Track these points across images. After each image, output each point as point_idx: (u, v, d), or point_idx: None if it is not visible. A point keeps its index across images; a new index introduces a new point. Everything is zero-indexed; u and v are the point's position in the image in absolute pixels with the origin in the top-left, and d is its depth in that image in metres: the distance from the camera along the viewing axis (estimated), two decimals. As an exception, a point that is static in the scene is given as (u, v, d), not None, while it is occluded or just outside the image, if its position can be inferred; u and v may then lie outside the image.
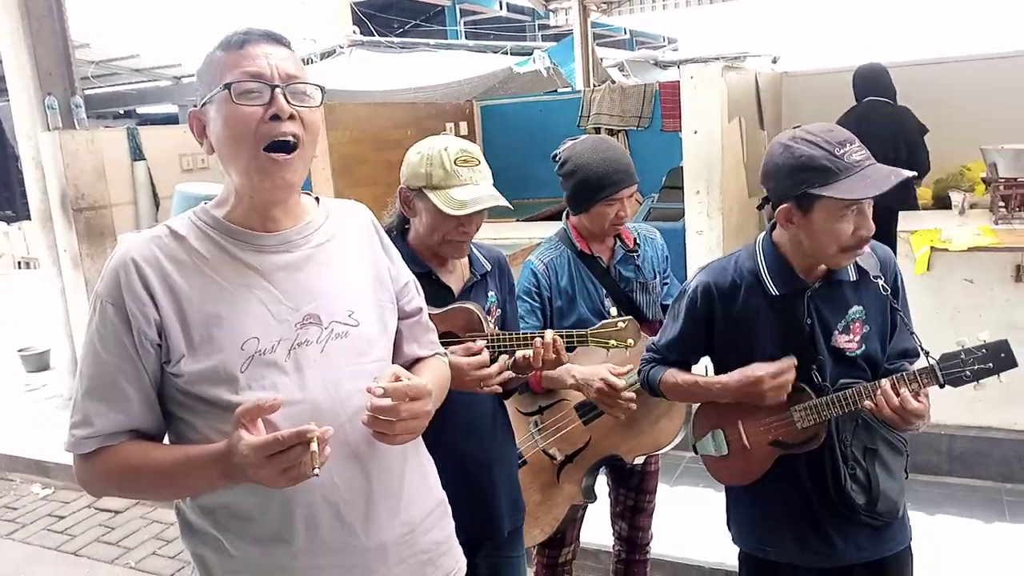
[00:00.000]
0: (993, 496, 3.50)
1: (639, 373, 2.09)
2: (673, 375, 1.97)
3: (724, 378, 1.86)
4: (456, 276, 2.03)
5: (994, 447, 3.63)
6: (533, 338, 1.89)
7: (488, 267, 2.08)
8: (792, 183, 1.69)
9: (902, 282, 1.89)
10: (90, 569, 3.76)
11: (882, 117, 4.85)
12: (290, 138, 1.30)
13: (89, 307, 1.35)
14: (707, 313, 1.89)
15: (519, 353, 1.95)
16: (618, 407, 2.18)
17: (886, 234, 3.91)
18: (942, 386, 1.71)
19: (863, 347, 1.82)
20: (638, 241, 2.45)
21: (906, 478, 1.90)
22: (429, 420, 1.39)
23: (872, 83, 5.03)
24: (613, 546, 2.70)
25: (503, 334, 1.92)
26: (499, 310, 2.10)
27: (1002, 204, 3.77)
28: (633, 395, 2.17)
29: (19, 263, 12.27)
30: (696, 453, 2.01)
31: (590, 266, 2.37)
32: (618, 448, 2.34)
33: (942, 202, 4.92)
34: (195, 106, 1.35)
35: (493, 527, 2.00)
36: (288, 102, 1.29)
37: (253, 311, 1.33)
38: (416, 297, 1.60)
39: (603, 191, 2.26)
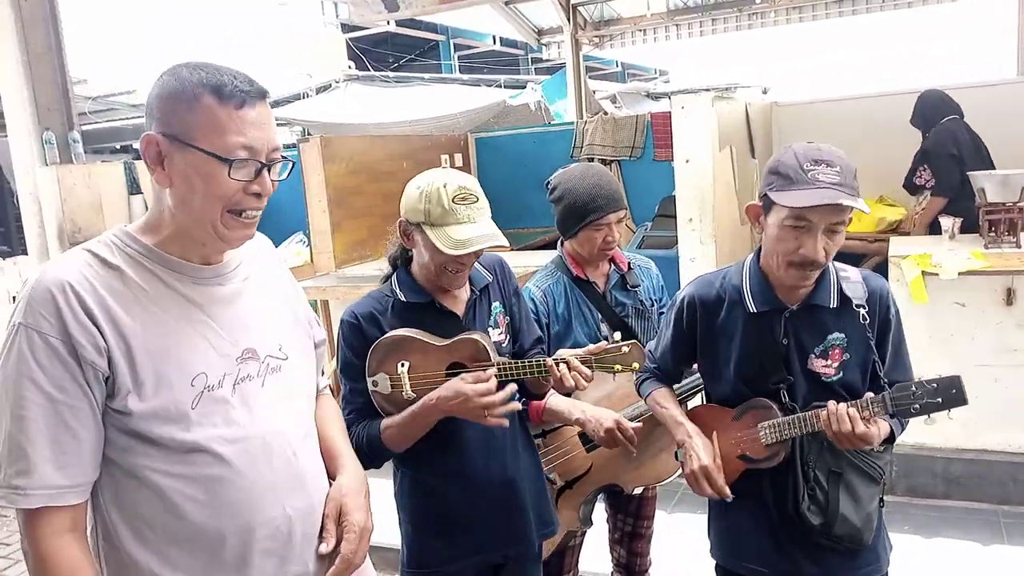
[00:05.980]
0: (990, 519, 3.50)
1: (636, 379, 2.14)
2: (654, 399, 2.06)
3: (686, 423, 1.95)
4: (459, 299, 2.01)
5: (990, 469, 3.63)
6: (539, 365, 1.86)
7: (489, 277, 2.06)
8: (764, 182, 1.77)
9: (896, 315, 1.87)
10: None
11: (974, 136, 4.79)
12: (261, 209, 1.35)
13: (9, 338, 1.23)
14: (692, 323, 1.96)
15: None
16: (620, 445, 2.18)
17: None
18: (892, 416, 1.74)
19: (840, 374, 1.83)
20: (631, 265, 2.48)
21: (882, 506, 1.88)
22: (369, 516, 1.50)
23: (947, 105, 4.86)
24: (612, 573, 2.69)
25: (511, 362, 1.88)
26: (507, 317, 2.07)
27: (991, 229, 3.82)
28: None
29: (13, 297, 12.27)
30: (677, 459, 2.03)
31: (586, 291, 2.40)
32: (618, 478, 2.35)
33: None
34: (154, 131, 1.28)
35: (525, 543, 2.02)
36: (271, 179, 1.32)
37: (197, 345, 1.31)
38: (319, 329, 1.64)
39: (589, 216, 2.30)
